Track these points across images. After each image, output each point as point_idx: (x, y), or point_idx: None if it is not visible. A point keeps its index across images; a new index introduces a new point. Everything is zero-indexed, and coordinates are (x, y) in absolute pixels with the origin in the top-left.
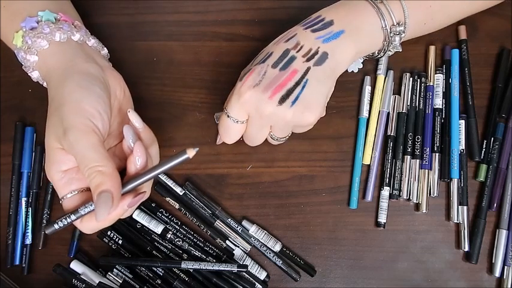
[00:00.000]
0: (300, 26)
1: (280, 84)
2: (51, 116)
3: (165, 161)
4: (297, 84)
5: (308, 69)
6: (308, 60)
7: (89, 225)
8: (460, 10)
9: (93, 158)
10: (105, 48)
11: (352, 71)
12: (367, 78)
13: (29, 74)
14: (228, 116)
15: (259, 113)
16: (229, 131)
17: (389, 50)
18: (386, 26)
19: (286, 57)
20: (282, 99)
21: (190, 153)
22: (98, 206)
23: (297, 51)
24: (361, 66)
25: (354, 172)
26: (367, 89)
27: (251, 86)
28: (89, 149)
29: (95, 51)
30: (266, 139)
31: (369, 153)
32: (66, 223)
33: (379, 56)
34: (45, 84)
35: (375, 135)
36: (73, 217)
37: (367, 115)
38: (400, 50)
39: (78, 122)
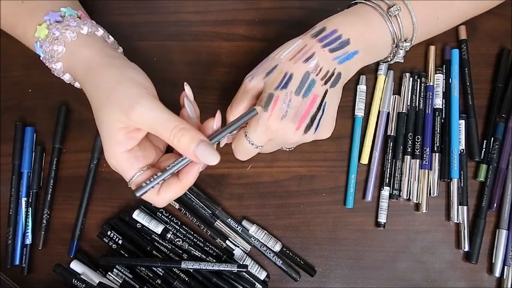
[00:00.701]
0: (316, 41)
1: (305, 114)
2: (107, 100)
3: (237, 119)
4: (318, 110)
5: (326, 92)
6: (325, 83)
7: (166, 195)
8: (463, 16)
9: (172, 118)
10: (120, 47)
11: None
12: (363, 78)
13: (53, 66)
14: (251, 143)
15: (285, 141)
16: (248, 154)
17: (391, 60)
18: (396, 42)
19: (307, 82)
20: (307, 128)
21: (259, 110)
22: (204, 155)
23: (317, 74)
24: None
25: (350, 171)
26: (360, 88)
27: (279, 118)
28: (164, 112)
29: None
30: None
31: (367, 153)
32: (156, 182)
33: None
34: (66, 78)
35: (375, 135)
36: (163, 175)
37: (362, 114)
38: (402, 61)
39: (144, 93)
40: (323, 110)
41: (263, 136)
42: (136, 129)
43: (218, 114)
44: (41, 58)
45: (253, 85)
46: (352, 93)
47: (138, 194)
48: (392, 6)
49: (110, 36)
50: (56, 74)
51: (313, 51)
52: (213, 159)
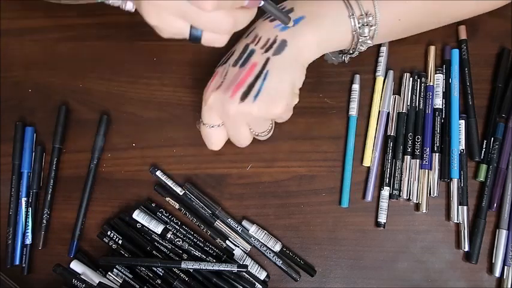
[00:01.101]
0: (260, 19)
1: (241, 81)
2: None
3: None
4: (257, 77)
5: (267, 60)
6: (267, 50)
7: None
8: (442, 10)
9: None
10: None
11: (333, 63)
12: (357, 77)
13: None
14: (203, 123)
15: (226, 114)
16: (209, 138)
17: (361, 45)
18: (353, 14)
19: (246, 53)
20: (244, 96)
21: (290, 23)
22: None
23: (256, 44)
24: (341, 60)
25: (345, 170)
26: (354, 87)
27: (214, 89)
28: None
29: None
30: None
31: (369, 155)
32: None
33: (352, 52)
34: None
35: (375, 135)
36: None
37: (355, 114)
38: (371, 44)
39: None
40: (264, 79)
41: (205, 111)
42: None
43: None
44: None
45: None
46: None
47: None
48: None
49: None
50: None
51: (254, 26)
52: None
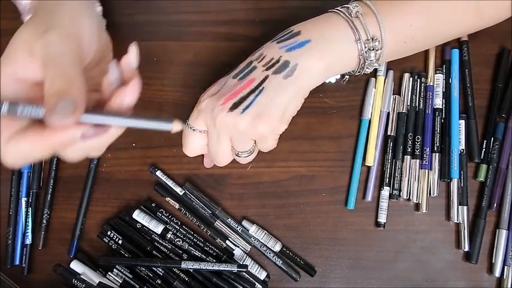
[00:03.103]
0: (269, 41)
1: (235, 92)
2: (34, 18)
3: (147, 117)
4: (252, 92)
5: (266, 77)
6: (268, 69)
7: (19, 147)
8: (445, 32)
9: (67, 63)
10: (100, 5)
11: (330, 82)
12: (372, 80)
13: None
14: (188, 124)
15: (212, 120)
16: (187, 140)
17: (367, 67)
18: (360, 39)
19: (248, 68)
20: (234, 106)
21: (176, 126)
22: (57, 110)
23: (259, 61)
24: (338, 77)
25: (354, 174)
26: (373, 91)
27: (209, 95)
28: (66, 54)
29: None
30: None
31: (371, 154)
32: None
33: (357, 74)
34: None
35: (376, 136)
36: (6, 107)
37: (370, 116)
38: (377, 66)
39: (68, 25)
40: (257, 94)
41: (195, 113)
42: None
43: (133, 51)
44: None
45: None
46: (352, 93)
47: None
48: (354, 8)
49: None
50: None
51: (262, 47)
52: (58, 118)
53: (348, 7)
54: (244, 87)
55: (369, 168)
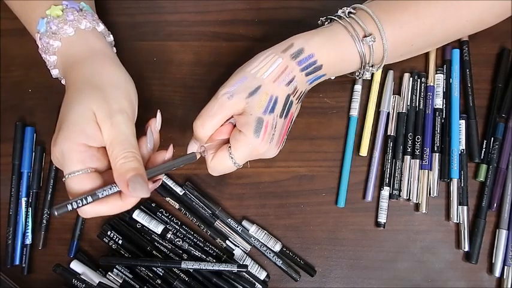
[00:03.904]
0: (295, 64)
1: (284, 133)
2: (94, 89)
3: (177, 161)
4: (289, 129)
5: (296, 108)
6: (297, 101)
7: (94, 209)
8: (439, 42)
9: (134, 144)
10: (111, 35)
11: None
12: (359, 79)
13: (47, 58)
14: (234, 162)
15: (261, 156)
16: (225, 171)
17: (364, 73)
18: (365, 65)
19: (288, 103)
20: (283, 144)
21: (198, 155)
22: (135, 187)
23: (294, 96)
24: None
25: (343, 170)
26: (356, 88)
27: (267, 143)
28: (132, 135)
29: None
30: None
31: (365, 146)
32: (81, 204)
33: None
34: (54, 73)
35: (375, 133)
36: (90, 199)
37: (357, 115)
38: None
39: (128, 109)
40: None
41: (248, 157)
42: None
43: (171, 148)
44: (36, 34)
45: (233, 104)
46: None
47: (57, 213)
48: (368, 36)
49: (101, 23)
50: (42, 53)
51: (293, 75)
52: (143, 193)
53: (364, 31)
54: (288, 124)
55: (368, 168)
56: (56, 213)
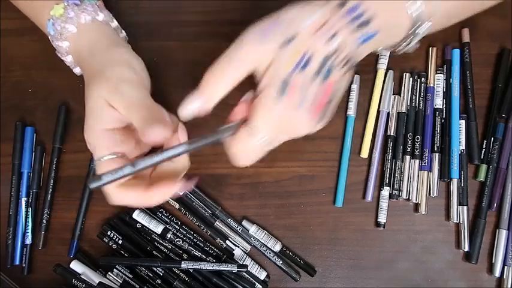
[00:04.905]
0: (341, 16)
1: (321, 104)
2: (100, 77)
3: (202, 137)
4: (330, 100)
5: (340, 78)
6: (342, 67)
7: (124, 195)
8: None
9: (149, 105)
10: (123, 31)
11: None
12: (357, 78)
13: (59, 44)
14: (261, 138)
15: (295, 133)
16: (254, 153)
17: (402, 47)
18: (414, 25)
19: (326, 66)
20: (320, 119)
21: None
22: (153, 130)
23: (336, 58)
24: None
25: (341, 171)
26: (353, 87)
27: (295, 108)
28: (145, 98)
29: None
30: None
31: (366, 148)
32: (116, 176)
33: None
34: (76, 71)
35: (375, 134)
36: (128, 169)
37: (354, 114)
38: (412, 50)
39: (133, 77)
40: (331, 100)
41: (276, 129)
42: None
43: (180, 126)
44: (49, 37)
45: (264, 50)
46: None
47: (91, 186)
48: None
49: (114, 20)
50: (59, 55)
51: (336, 29)
52: (160, 131)
53: None
54: (327, 94)
55: (368, 168)
56: (91, 185)
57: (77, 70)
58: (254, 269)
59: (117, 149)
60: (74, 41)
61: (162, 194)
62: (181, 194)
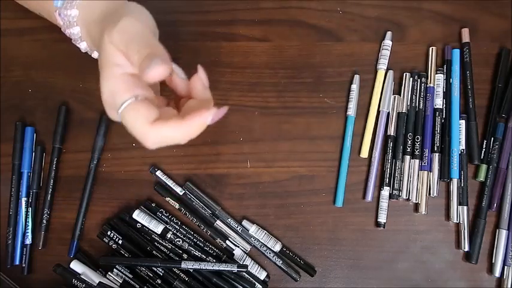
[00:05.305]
0: None
1: None
2: (108, 27)
3: None
4: None
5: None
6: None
7: (161, 132)
8: None
9: (144, 36)
10: None
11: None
12: (356, 77)
13: (71, 31)
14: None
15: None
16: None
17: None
18: None
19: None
20: None
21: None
22: (151, 64)
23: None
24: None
25: (341, 171)
26: (352, 87)
27: None
28: (140, 30)
29: None
30: None
31: (366, 147)
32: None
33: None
34: (83, 46)
35: (375, 134)
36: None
37: (354, 114)
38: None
39: (136, 16)
40: None
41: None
42: None
43: (199, 69)
44: (61, 29)
45: None
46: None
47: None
48: None
49: None
50: (74, 42)
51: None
52: (159, 66)
53: None
54: None
55: (368, 168)
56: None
57: (83, 46)
58: (254, 269)
59: (139, 92)
60: (83, 9)
61: (198, 121)
62: (216, 119)
